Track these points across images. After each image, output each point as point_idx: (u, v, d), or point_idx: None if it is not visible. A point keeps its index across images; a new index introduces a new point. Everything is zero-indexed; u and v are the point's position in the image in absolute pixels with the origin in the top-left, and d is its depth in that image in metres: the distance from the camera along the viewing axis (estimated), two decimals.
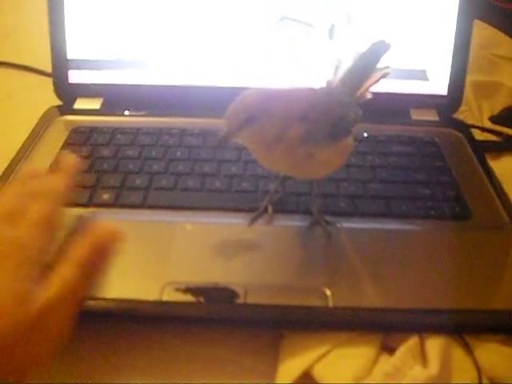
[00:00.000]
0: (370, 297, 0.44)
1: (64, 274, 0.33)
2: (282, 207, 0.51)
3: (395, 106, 0.65)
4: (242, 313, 0.43)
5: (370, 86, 0.49)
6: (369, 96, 0.48)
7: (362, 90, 0.48)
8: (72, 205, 0.50)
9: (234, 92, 0.41)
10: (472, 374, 0.42)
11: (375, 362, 0.42)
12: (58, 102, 0.66)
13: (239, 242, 0.48)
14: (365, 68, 0.49)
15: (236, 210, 0.51)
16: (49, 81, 0.67)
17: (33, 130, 0.62)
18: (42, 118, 0.64)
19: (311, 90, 0.47)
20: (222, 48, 0.65)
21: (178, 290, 0.43)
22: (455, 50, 0.64)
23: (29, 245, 0.33)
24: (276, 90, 0.44)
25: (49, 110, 0.65)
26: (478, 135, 0.66)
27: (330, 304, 0.43)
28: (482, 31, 0.79)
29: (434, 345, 0.42)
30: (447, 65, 0.64)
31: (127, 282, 0.44)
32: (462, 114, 0.69)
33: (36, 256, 0.32)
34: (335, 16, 0.63)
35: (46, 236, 0.34)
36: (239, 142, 0.43)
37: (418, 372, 0.41)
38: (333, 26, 0.63)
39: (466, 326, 0.44)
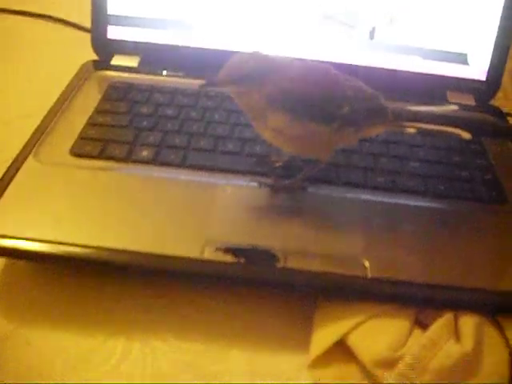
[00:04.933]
0: (407, 271, 0.44)
1: None
2: (321, 177, 0.51)
3: (432, 88, 0.65)
4: (282, 276, 0.43)
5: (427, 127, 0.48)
6: (410, 131, 0.48)
7: (415, 125, 0.48)
8: (110, 159, 0.51)
9: None
10: (503, 355, 0.42)
11: (409, 335, 0.43)
12: (95, 57, 0.66)
13: (279, 207, 0.48)
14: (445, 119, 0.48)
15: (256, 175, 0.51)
16: (85, 36, 0.66)
17: (70, 82, 0.61)
18: (78, 71, 0.63)
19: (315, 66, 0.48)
20: (265, 13, 0.64)
21: (218, 249, 0.43)
22: (498, 35, 0.63)
23: None
24: (284, 62, 0.46)
25: (86, 63, 0.65)
26: None
27: (369, 275, 0.43)
28: None
29: (468, 322, 0.42)
30: (488, 50, 0.64)
31: (167, 238, 0.44)
32: (498, 102, 0.68)
33: None
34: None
35: None
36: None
37: (452, 346, 0.41)
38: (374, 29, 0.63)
39: (499, 307, 0.44)
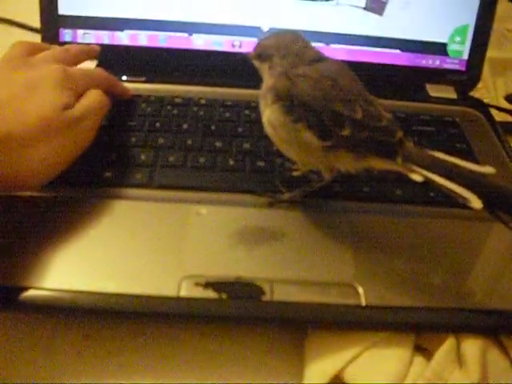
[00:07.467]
0: (403, 295, 0.40)
1: (92, 96, 0.46)
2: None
3: (411, 81, 0.62)
4: (269, 311, 0.39)
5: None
6: (416, 178, 0.40)
7: (425, 173, 0.40)
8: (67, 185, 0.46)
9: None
10: (508, 376, 0.39)
11: (410, 364, 0.39)
12: None
13: (261, 229, 0.44)
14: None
15: (252, 192, 0.47)
16: (37, 37, 0.60)
17: None
18: None
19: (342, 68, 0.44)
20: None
21: (197, 284, 0.39)
22: (477, 23, 0.60)
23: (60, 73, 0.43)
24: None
25: None
26: (495, 115, 0.62)
27: (363, 302, 0.40)
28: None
29: (472, 347, 0.40)
30: (468, 39, 0.61)
31: (140, 275, 0.40)
32: (478, 92, 0.65)
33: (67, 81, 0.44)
34: None
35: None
36: None
37: (458, 378, 0.38)
38: None
39: (502, 327, 0.41)
